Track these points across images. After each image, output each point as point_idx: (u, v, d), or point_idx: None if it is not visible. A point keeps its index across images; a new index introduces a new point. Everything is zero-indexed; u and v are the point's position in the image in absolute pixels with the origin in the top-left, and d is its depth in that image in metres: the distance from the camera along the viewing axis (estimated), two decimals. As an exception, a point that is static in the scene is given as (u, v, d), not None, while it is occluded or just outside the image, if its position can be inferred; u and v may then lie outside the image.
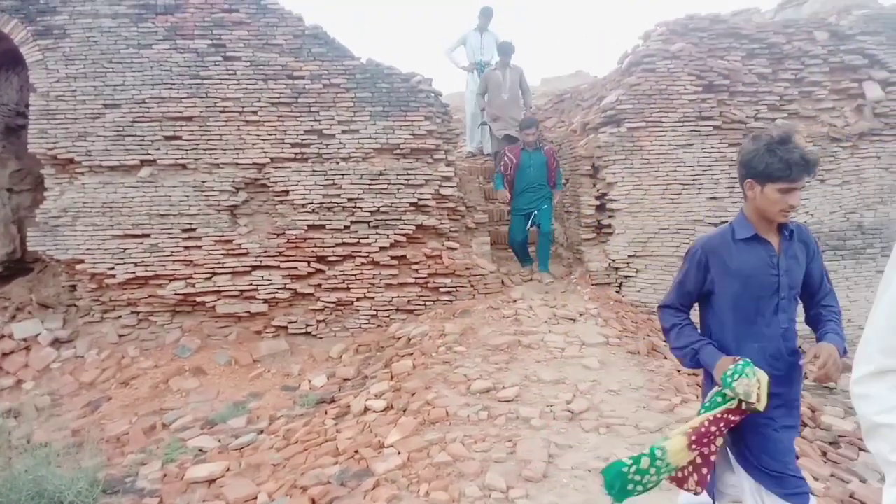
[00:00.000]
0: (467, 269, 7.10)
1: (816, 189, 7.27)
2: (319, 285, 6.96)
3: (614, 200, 7.27)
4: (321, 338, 6.95)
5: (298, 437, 4.79)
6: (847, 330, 6.90)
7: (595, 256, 7.44)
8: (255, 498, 3.93)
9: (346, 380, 5.92)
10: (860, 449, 4.60)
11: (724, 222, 7.26)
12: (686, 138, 7.14)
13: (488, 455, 3.87)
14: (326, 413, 5.16)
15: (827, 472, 3.89)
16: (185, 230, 6.99)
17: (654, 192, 7.21)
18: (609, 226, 7.41)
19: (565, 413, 4.42)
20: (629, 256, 7.27)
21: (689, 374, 5.35)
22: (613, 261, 7.29)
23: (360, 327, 7.00)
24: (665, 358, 5.68)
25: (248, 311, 6.88)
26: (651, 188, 7.19)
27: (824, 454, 4.43)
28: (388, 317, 7.02)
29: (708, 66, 7.15)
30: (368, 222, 7.00)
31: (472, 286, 7.13)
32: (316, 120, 6.97)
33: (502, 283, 7.34)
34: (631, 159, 7.19)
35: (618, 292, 7.28)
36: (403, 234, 7.05)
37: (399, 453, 4.03)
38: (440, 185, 7.17)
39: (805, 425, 5.04)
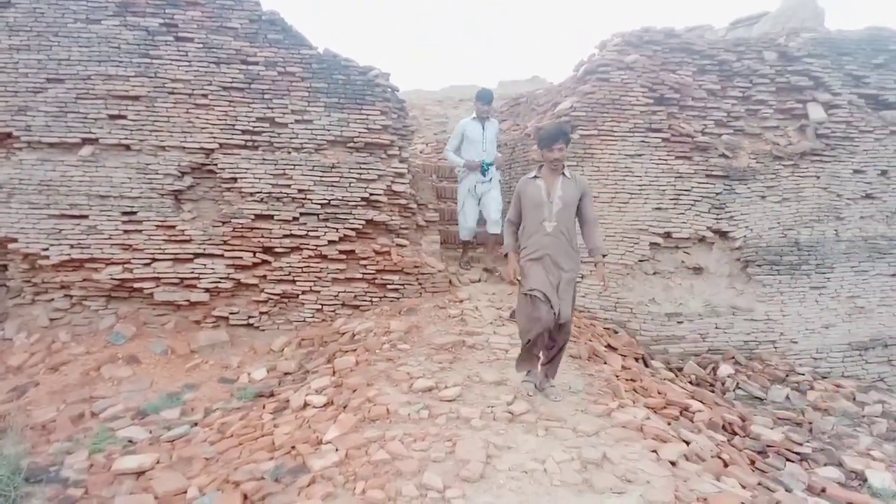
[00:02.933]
0: (416, 267, 7.07)
1: (757, 205, 7.51)
2: (264, 276, 6.82)
3: (564, 206, 7.34)
4: (263, 330, 6.81)
5: (234, 431, 4.68)
6: (780, 343, 7.18)
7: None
8: (185, 492, 3.81)
9: (286, 374, 5.82)
10: (787, 459, 4.78)
11: (668, 233, 7.47)
12: (636, 148, 7.28)
13: (427, 454, 3.85)
14: (264, 407, 5.05)
15: (755, 481, 4.02)
16: (125, 213, 6.75)
17: (603, 200, 7.32)
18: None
19: (505, 414, 4.43)
20: (576, 262, 7.34)
21: (627, 380, 5.46)
22: (560, 265, 7.37)
23: (304, 321, 6.89)
24: (605, 363, 5.77)
25: (188, 300, 6.69)
26: (600, 195, 7.31)
27: (752, 463, 4.58)
28: (334, 311, 6.94)
29: (660, 79, 7.31)
30: (318, 215, 6.90)
31: (420, 284, 7.11)
32: (269, 108, 6.83)
33: (450, 282, 7.34)
34: (582, 166, 7.28)
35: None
36: (353, 229, 6.97)
37: (337, 450, 3.98)
38: (393, 181, 7.13)
39: (735, 434, 5.20)
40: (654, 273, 7.57)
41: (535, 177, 4.54)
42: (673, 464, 3.99)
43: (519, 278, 4.58)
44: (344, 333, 6.44)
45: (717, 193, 7.42)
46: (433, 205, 7.79)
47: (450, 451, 3.90)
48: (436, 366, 5.32)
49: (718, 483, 3.85)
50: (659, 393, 5.41)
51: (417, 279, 7.09)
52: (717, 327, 7.37)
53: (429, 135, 10.85)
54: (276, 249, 6.83)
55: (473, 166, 7.23)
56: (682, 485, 3.68)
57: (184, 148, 6.79)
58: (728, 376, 6.73)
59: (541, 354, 4.74)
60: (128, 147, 6.78)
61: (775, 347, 7.42)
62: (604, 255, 4.61)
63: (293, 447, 4.12)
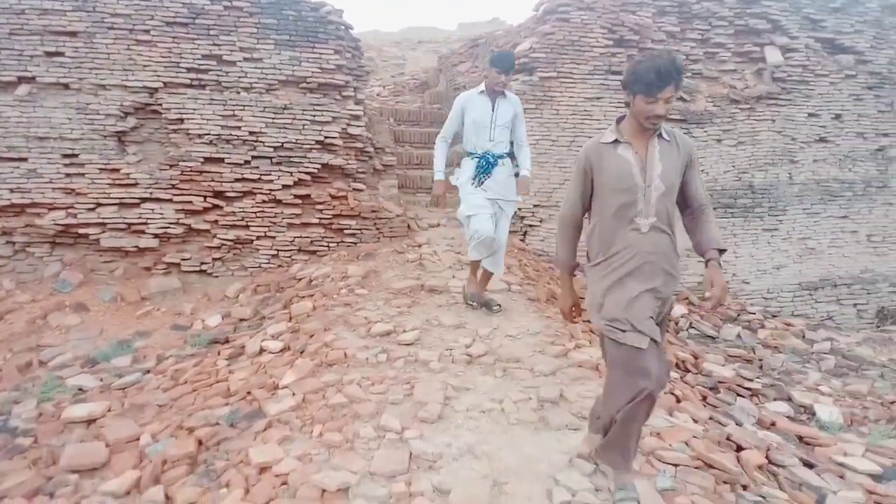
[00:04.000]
0: (373, 211, 6.96)
1: (713, 149, 7.56)
2: (216, 221, 6.62)
3: (523, 149, 7.27)
4: (217, 276, 6.65)
5: (187, 378, 4.59)
6: (732, 284, 7.34)
7: (502, 204, 7.46)
8: (138, 439, 3.73)
9: (241, 320, 5.71)
10: (738, 395, 4.93)
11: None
12: (595, 91, 7.20)
13: (385, 397, 3.84)
14: (219, 353, 4.96)
15: (706, 416, 4.13)
16: (66, 156, 6.43)
17: (562, 144, 7.27)
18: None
19: (464, 357, 4.44)
20: (534, 206, 7.34)
21: (584, 321, 5.52)
22: (519, 209, 7.35)
23: (259, 267, 6.75)
24: (563, 305, 5.82)
25: (137, 246, 6.46)
26: (558, 140, 7.25)
27: (704, 398, 4.71)
28: (290, 257, 6.80)
29: (620, 20, 7.19)
30: (271, 158, 6.68)
31: (378, 229, 7.01)
32: (215, 45, 6.50)
33: (408, 227, 7.25)
34: (541, 109, 7.19)
35: (522, 240, 7.36)
36: (308, 173, 6.79)
37: (294, 395, 3.93)
38: (348, 124, 6.93)
39: (687, 371, 5.34)
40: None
41: (617, 141, 2.53)
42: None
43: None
44: (300, 279, 6.34)
45: (674, 137, 7.41)
46: (390, 148, 7.62)
47: (408, 394, 3.90)
48: (394, 310, 5.28)
49: (671, 418, 3.94)
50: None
51: (375, 224, 6.99)
52: (671, 270, 7.47)
53: (386, 77, 10.56)
54: (228, 194, 6.62)
55: (439, 196, 5.15)
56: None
57: (126, 87, 6.45)
58: (682, 316, 6.88)
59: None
60: (66, 86, 6.41)
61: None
62: (721, 251, 2.67)
63: (249, 392, 4.06)
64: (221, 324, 5.69)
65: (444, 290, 5.78)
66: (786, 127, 7.56)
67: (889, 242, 7.78)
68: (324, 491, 2.92)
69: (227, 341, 5.22)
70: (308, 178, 6.79)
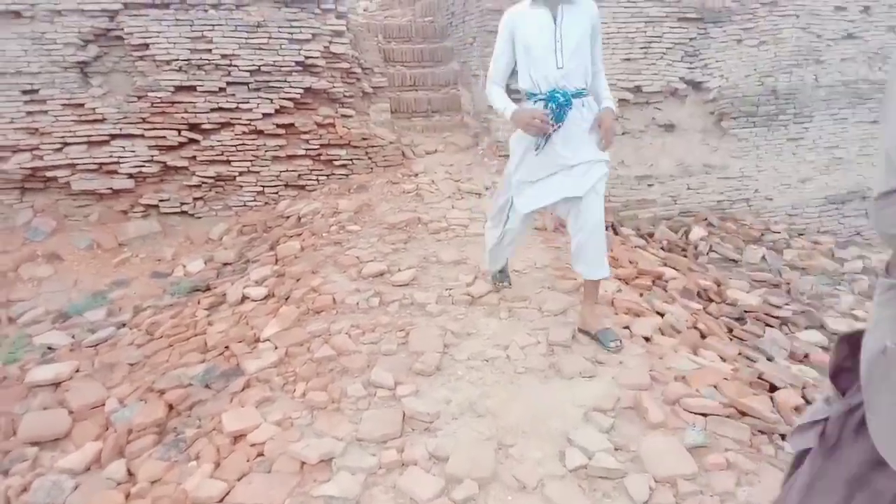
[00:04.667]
0: (364, 139, 6.40)
1: (732, 50, 6.87)
2: (194, 157, 6.10)
3: (525, 62, 6.61)
4: (199, 217, 6.19)
5: (164, 332, 4.20)
6: (754, 201, 6.81)
7: (502, 125, 6.86)
8: (104, 404, 3.37)
9: (225, 264, 5.29)
10: (766, 325, 4.50)
11: (637, 87, 6.84)
12: (605, -9, 6.47)
13: (377, 347, 3.44)
14: (199, 303, 4.56)
15: (734, 352, 3.71)
16: (25, 92, 5.86)
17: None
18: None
19: (464, 297, 4.01)
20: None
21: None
22: (523, 129, 6.75)
23: (244, 205, 6.27)
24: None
25: (111, 188, 5.98)
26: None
27: (731, 331, 4.28)
28: (277, 193, 6.31)
29: None
30: (248, 84, 6.09)
31: (370, 158, 6.47)
32: (176, -44, 5.80)
33: (403, 154, 6.71)
34: (544, 15, 6.47)
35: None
36: (290, 99, 6.20)
37: (276, 348, 3.53)
38: (331, 42, 6.28)
39: (710, 301, 4.90)
40: (624, 133, 7.01)
41: None
42: (647, 339, 3.65)
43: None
44: (288, 217, 5.87)
45: (690, 39, 6.73)
46: (380, 69, 6.98)
47: (402, 342, 3.49)
48: (388, 247, 4.83)
49: (696, 358, 3.53)
50: (630, 262, 5.03)
51: (367, 153, 6.45)
52: (689, 188, 6.96)
53: (374, -10, 9.76)
54: (204, 126, 6.07)
55: (534, 122, 3.03)
56: (658, 363, 3.34)
57: (83, 11, 5.80)
58: (701, 239, 6.40)
59: None
60: (18, 14, 5.77)
61: (749, 206, 7.07)
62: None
63: (227, 347, 3.67)
64: (204, 269, 5.27)
65: (442, 223, 5.30)
66: (811, 23, 6.83)
67: (925, 148, 7.16)
68: (303, 463, 2.54)
69: (208, 289, 4.81)
70: (290, 104, 6.21)
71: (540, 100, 3.11)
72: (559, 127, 3.04)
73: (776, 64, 6.93)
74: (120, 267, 5.50)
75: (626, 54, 6.63)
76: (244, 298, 4.35)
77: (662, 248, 6.14)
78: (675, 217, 6.95)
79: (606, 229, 6.04)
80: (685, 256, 6.10)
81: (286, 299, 4.15)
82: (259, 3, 6.08)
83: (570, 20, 3.01)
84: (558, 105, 3.00)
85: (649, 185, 6.86)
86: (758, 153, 7.03)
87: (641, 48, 6.62)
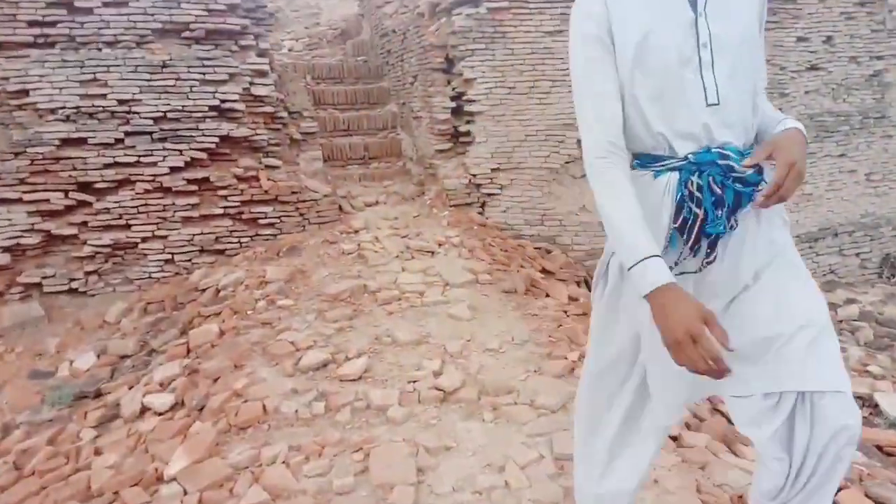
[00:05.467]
0: (294, 192, 5.50)
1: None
2: (85, 223, 5.04)
3: (474, 101, 5.93)
4: (93, 295, 5.08)
5: (35, 465, 3.12)
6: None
7: (452, 171, 6.13)
8: None
9: (123, 357, 4.24)
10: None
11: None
12: (556, 23, 5.89)
13: (327, 482, 2.53)
14: (86, 417, 3.51)
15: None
16: None
17: (520, 91, 5.95)
18: (468, 133, 6.09)
19: (434, 393, 3.17)
20: (492, 170, 6.04)
21: (578, 315, 4.29)
22: (474, 176, 6.03)
23: (149, 277, 5.22)
24: (546, 295, 4.57)
25: (-20, 265, 4.83)
26: (516, 86, 5.93)
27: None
28: (189, 261, 5.29)
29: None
30: (151, 133, 5.11)
31: (302, 215, 5.57)
32: (59, -14, 4.84)
33: (340, 209, 5.84)
34: (492, 49, 5.83)
35: (481, 213, 6.07)
36: (203, 150, 5.26)
37: (186, 493, 2.55)
38: (251, 83, 5.40)
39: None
40: (583, 175, 6.38)
41: None
42: (674, 439, 2.89)
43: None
44: (204, 290, 4.87)
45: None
46: (309, 112, 6.13)
47: (361, 471, 2.60)
48: (330, 327, 3.93)
49: (741, 460, 2.78)
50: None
51: (297, 208, 5.54)
52: (656, 233, 6.36)
53: (298, 29, 8.94)
54: (97, 185, 5.03)
55: (701, 359, 1.15)
56: (702, 476, 2.57)
57: (-59, 52, 4.74)
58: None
59: None
60: None
61: (719, 249, 6.54)
62: None
63: (117, 494, 2.65)
64: (95, 365, 4.19)
65: (393, 290, 4.44)
66: (774, 54, 6.45)
67: (890, 181, 6.87)
68: None
69: (98, 395, 3.75)
70: (204, 156, 5.26)
71: (664, 169, 1.38)
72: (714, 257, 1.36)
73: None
74: (-12, 366, 4.34)
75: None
76: (144, 410, 3.34)
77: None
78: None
79: (580, 284, 5.36)
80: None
81: (200, 410, 3.18)
82: (165, 38, 5.16)
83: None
84: (730, 200, 1.32)
85: (614, 232, 6.26)
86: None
87: (599, 83, 6.08)
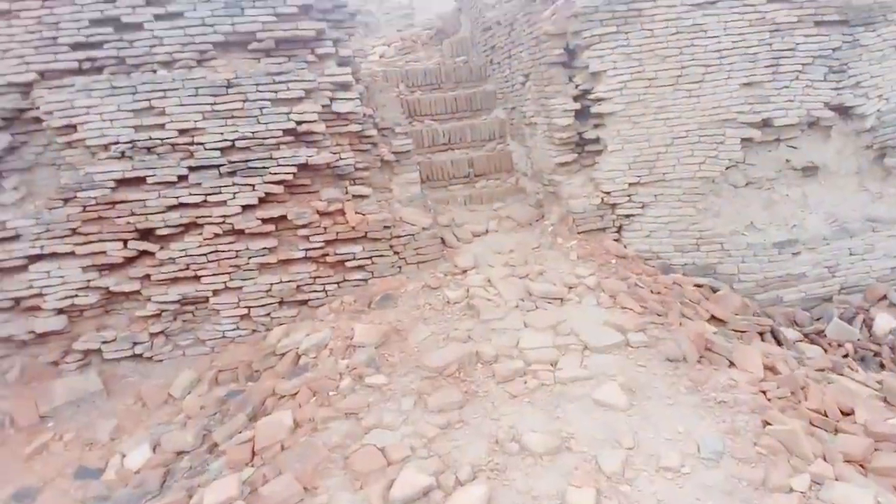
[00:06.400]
0: (386, 227, 4.54)
1: (892, 60, 4.88)
2: (148, 277, 4.30)
3: (603, 100, 4.72)
4: (161, 360, 4.33)
5: None
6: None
7: (578, 189, 4.94)
8: None
9: (180, 454, 3.39)
10: None
11: (766, 121, 4.85)
12: (708, -7, 4.58)
13: None
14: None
15: None
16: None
17: (664, 82, 4.69)
18: (597, 140, 4.89)
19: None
20: (631, 185, 4.81)
21: (784, 399, 2.99)
22: (607, 193, 4.82)
23: (223, 337, 4.41)
24: (731, 364, 3.29)
25: (33, 331, 4.18)
26: (658, 76, 4.67)
27: None
28: (268, 315, 4.44)
29: None
30: (219, 167, 4.30)
31: (397, 254, 4.60)
32: (107, 1, 4.11)
33: (443, 242, 4.83)
34: (626, 32, 4.61)
35: (617, 241, 4.85)
36: (279, 182, 4.39)
37: None
38: (332, 98, 4.49)
39: None
40: (748, 184, 5.01)
41: None
42: None
43: None
44: (283, 354, 3.98)
45: (833, 49, 4.75)
46: (403, 127, 5.15)
47: None
48: (433, 423, 2.91)
49: None
50: (845, 415, 2.96)
51: (392, 246, 4.57)
52: (851, 253, 4.90)
53: (390, 32, 8.05)
54: (160, 231, 4.28)
55: None
56: None
57: (-15, 88, 4.15)
58: (893, 333, 4.30)
59: None
60: None
61: (937, 270, 4.97)
62: None
63: None
64: (149, 462, 3.38)
65: (515, 360, 3.35)
66: None
67: None
68: None
69: (139, 518, 2.90)
70: (280, 189, 4.40)
71: None
72: None
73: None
74: (34, 459, 3.64)
75: (748, 77, 4.68)
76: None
77: (846, 356, 4.04)
78: (835, 296, 4.87)
79: (763, 336, 4.01)
80: (883, 367, 4.00)
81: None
82: (228, 53, 4.35)
83: None
84: None
85: (794, 254, 4.82)
86: None
87: (768, 67, 4.67)
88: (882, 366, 4.03)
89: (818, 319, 4.61)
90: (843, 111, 4.94)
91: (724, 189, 4.97)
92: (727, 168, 4.88)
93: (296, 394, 3.41)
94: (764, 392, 2.96)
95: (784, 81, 4.77)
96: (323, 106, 4.46)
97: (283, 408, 3.31)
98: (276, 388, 3.56)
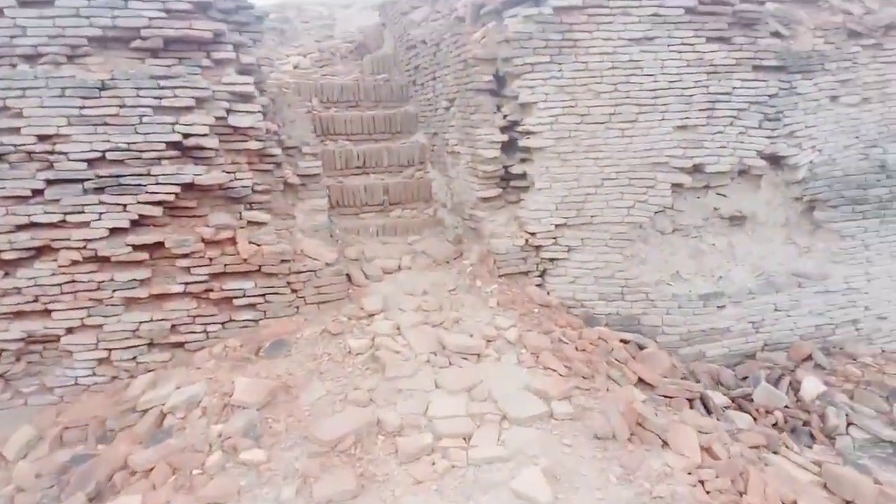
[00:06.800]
0: (284, 260, 3.96)
1: (827, 111, 4.76)
2: (-15, 310, 3.54)
3: (532, 133, 4.36)
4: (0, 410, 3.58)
5: None
6: (864, 322, 4.59)
7: (502, 227, 4.54)
8: None
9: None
10: None
11: (697, 167, 4.54)
12: (645, 27, 4.33)
13: None
14: None
15: None
16: None
17: (596, 119, 4.38)
18: (524, 176, 4.52)
19: None
20: (557, 226, 4.45)
21: (724, 491, 2.63)
22: (532, 234, 4.44)
23: (75, 384, 3.69)
24: (665, 444, 2.92)
25: None
26: (591, 112, 4.36)
27: None
28: (134, 360, 3.75)
29: None
30: (83, 182, 3.61)
31: (295, 291, 4.03)
32: (-47, -23, 3.40)
33: (349, 279, 4.29)
34: (560, 63, 4.28)
35: (540, 286, 4.47)
36: (157, 202, 3.74)
37: None
38: (230, 110, 3.90)
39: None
40: (674, 230, 4.77)
41: None
42: None
43: None
44: (146, 411, 3.33)
45: (770, 96, 4.59)
46: (313, 146, 4.60)
47: None
48: (318, 521, 2.35)
49: None
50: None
51: (289, 283, 4.00)
52: (776, 309, 4.72)
53: (309, 42, 7.46)
54: (5, 255, 3.53)
55: None
56: None
57: None
58: (818, 398, 4.10)
59: None
60: None
61: (857, 330, 4.88)
62: None
63: None
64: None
65: (423, 432, 2.87)
66: (930, 70, 4.80)
67: None
68: None
69: None
70: (158, 212, 3.75)
71: None
72: None
73: (885, 129, 4.86)
74: None
75: (682, 119, 4.45)
76: None
77: (776, 425, 3.79)
78: (758, 353, 4.67)
79: (692, 404, 3.69)
80: (813, 439, 3.77)
81: None
82: (106, 50, 3.69)
83: None
84: None
85: (719, 308, 4.59)
86: (866, 255, 4.87)
87: (703, 110, 4.45)
88: (812, 436, 3.80)
89: (744, 379, 4.37)
90: (775, 160, 4.79)
91: (650, 235, 4.69)
92: (655, 213, 4.61)
93: (151, 469, 2.78)
94: (702, 482, 2.60)
95: (718, 126, 4.56)
96: (217, 118, 3.86)
97: (133, 490, 2.69)
98: (130, 458, 2.91)
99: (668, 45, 4.40)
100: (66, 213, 3.60)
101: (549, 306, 4.18)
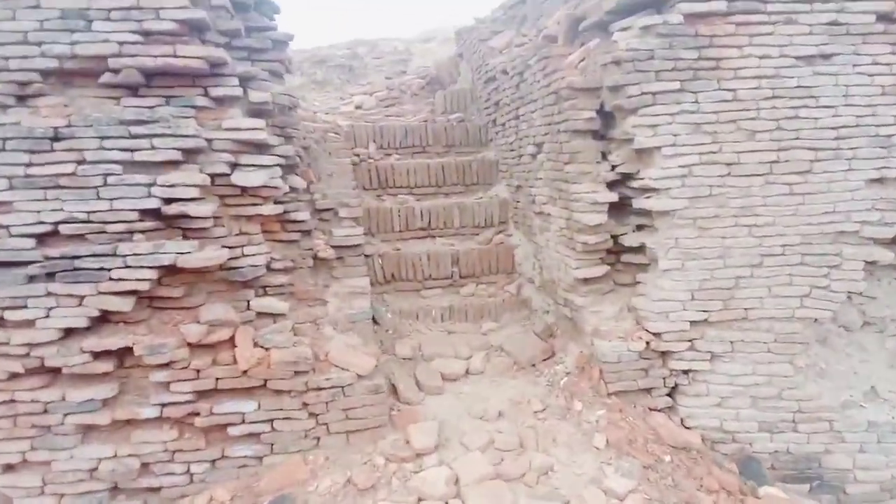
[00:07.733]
0: (299, 372, 2.82)
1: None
2: None
3: (655, 191, 3.07)
4: None
5: None
6: None
7: (610, 322, 3.24)
8: None
9: None
10: None
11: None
12: (819, 41, 2.99)
13: None
14: None
15: None
16: None
17: (750, 170, 3.04)
18: (642, 250, 3.22)
19: None
20: (693, 324, 3.09)
21: None
22: (657, 335, 3.10)
23: (5, 549, 2.67)
24: None
25: None
26: (742, 160, 3.03)
27: None
28: (87, 514, 2.70)
29: None
30: (27, 265, 2.63)
31: (315, 416, 2.87)
32: None
33: (393, 392, 3.10)
34: (694, 92, 2.99)
35: (669, 408, 3.11)
36: (128, 292, 2.71)
37: None
38: (234, 164, 2.86)
39: None
40: (864, 324, 3.30)
41: None
42: None
43: None
44: None
45: None
46: (352, 208, 3.51)
47: None
48: None
49: None
50: None
51: (306, 404, 2.86)
52: None
53: (377, 79, 6.49)
54: (-83, 368, 2.59)
55: None
56: None
57: None
58: None
59: None
60: None
61: None
62: None
63: None
64: None
65: None
66: None
67: None
68: None
69: None
70: (128, 304, 2.72)
71: None
72: None
73: None
74: None
75: (880, 167, 3.04)
76: None
77: None
78: None
79: None
80: None
81: None
82: (66, 90, 2.74)
83: None
84: None
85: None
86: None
87: None
88: None
89: None
90: None
91: (832, 334, 3.25)
92: (840, 303, 3.17)
93: None
94: None
95: None
96: (215, 175, 2.82)
97: None
98: None
99: (854, 66, 3.02)
100: (2, 309, 2.62)
101: (687, 449, 2.80)
